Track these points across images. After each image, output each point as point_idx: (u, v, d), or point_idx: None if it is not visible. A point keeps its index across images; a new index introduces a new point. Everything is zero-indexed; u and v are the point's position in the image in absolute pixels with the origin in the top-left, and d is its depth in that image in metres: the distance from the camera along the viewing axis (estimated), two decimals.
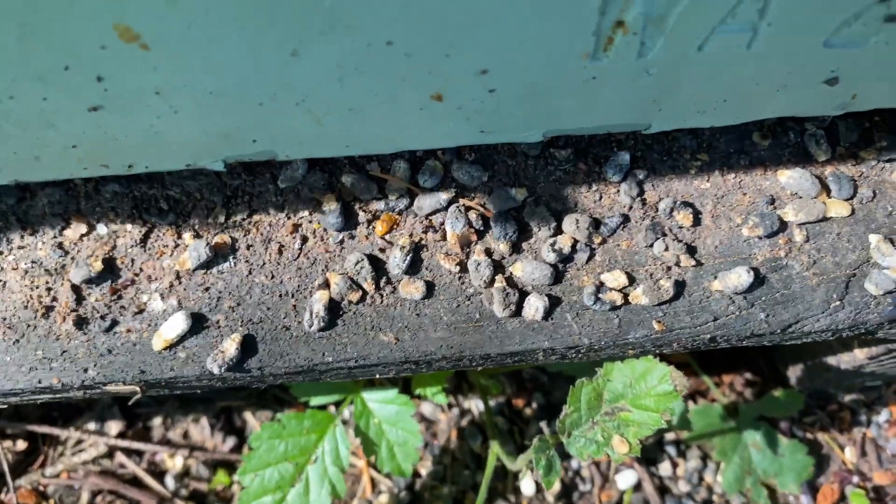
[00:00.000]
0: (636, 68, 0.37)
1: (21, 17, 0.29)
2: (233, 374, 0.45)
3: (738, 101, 0.42)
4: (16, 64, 0.32)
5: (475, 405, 0.73)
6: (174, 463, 0.70)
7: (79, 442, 0.70)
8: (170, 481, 0.69)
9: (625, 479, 0.71)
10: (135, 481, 0.69)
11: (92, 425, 0.71)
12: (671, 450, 0.73)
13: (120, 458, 0.70)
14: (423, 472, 0.71)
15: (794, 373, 0.70)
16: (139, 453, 0.70)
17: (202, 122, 0.38)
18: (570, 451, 0.54)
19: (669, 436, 0.73)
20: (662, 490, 0.71)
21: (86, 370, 0.45)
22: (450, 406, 0.74)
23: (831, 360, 0.63)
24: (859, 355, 0.61)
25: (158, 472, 0.69)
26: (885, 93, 0.44)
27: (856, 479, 0.72)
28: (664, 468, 0.72)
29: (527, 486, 0.71)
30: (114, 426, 0.71)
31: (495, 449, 0.62)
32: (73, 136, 0.38)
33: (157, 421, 0.71)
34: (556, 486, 0.71)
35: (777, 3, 0.34)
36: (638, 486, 0.71)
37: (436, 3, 0.31)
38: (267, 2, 0.29)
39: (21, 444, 0.70)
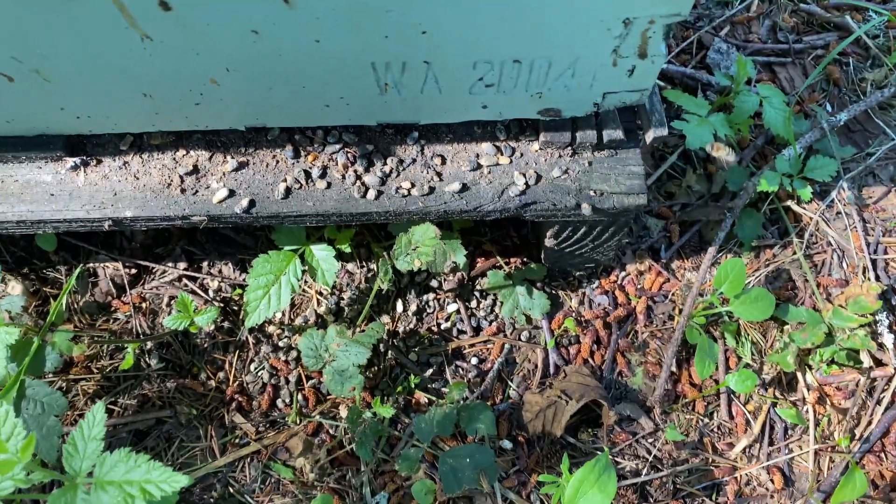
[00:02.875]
0: (406, 97, 0.98)
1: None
2: (244, 215, 1.07)
3: (462, 113, 1.03)
4: None
5: (376, 266, 1.35)
6: (213, 284, 1.34)
7: (162, 272, 1.34)
8: (210, 293, 1.33)
9: (451, 307, 1.34)
10: (191, 292, 1.33)
11: (170, 263, 1.35)
12: (478, 294, 1.35)
13: (184, 280, 1.34)
14: (345, 297, 1.34)
15: (541, 255, 1.31)
16: (194, 279, 1.34)
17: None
18: (398, 266, 1.16)
19: (478, 287, 1.35)
20: (471, 314, 1.34)
21: (185, 211, 1.08)
22: (361, 266, 1.36)
23: (547, 244, 1.25)
24: (548, 242, 1.22)
25: (204, 289, 1.33)
26: (523, 109, 1.04)
27: (574, 313, 1.33)
28: (473, 304, 1.34)
29: (398, 306, 1.34)
30: (181, 265, 1.34)
31: (377, 281, 1.25)
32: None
33: (204, 263, 1.35)
34: (414, 307, 1.33)
35: (442, 73, 0.95)
36: (458, 311, 1.34)
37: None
38: None
39: (133, 271, 1.34)
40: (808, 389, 1.23)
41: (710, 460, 1.21)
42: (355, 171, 1.05)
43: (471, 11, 0.78)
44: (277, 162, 1.05)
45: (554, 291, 1.32)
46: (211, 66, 0.86)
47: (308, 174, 1.05)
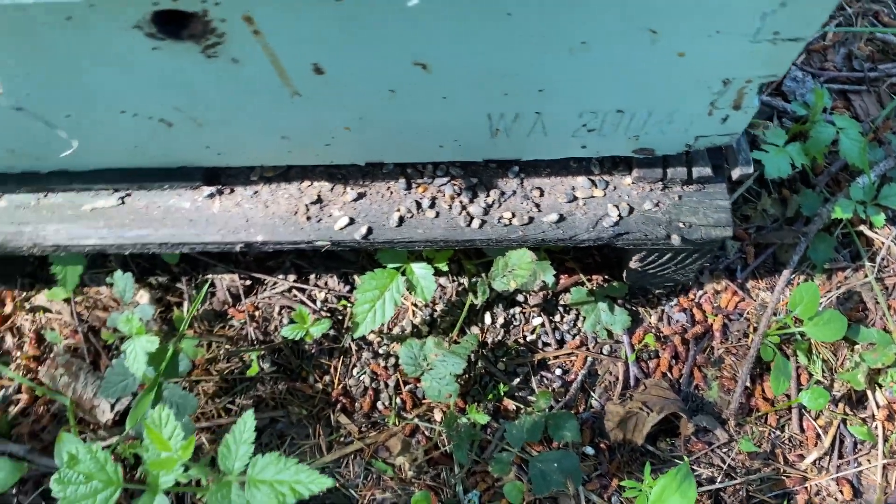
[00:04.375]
0: (514, 140, 1.08)
1: None
2: (362, 241, 1.18)
3: (562, 151, 1.13)
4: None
5: (466, 281, 1.46)
6: (320, 295, 1.46)
7: (274, 283, 1.47)
8: (318, 304, 1.45)
9: (536, 321, 1.44)
10: (300, 302, 1.46)
11: (281, 276, 1.48)
12: (561, 309, 1.45)
13: (294, 291, 1.46)
14: (438, 308, 1.45)
15: (623, 274, 1.41)
16: (303, 290, 1.46)
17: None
18: (494, 287, 1.26)
19: (562, 302, 1.45)
20: (555, 327, 1.44)
21: (310, 237, 1.20)
22: (453, 280, 1.47)
23: (631, 266, 1.34)
24: (633, 265, 1.31)
25: (312, 300, 1.46)
26: (619, 148, 1.13)
27: (653, 329, 1.42)
28: (556, 318, 1.45)
29: (487, 318, 1.45)
30: (290, 277, 1.47)
31: (470, 296, 1.36)
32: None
33: (312, 276, 1.48)
34: (501, 320, 1.43)
35: (549, 121, 1.04)
36: (543, 324, 1.44)
37: None
38: None
39: (247, 282, 1.47)
40: (878, 407, 1.31)
41: (782, 471, 1.30)
42: (461, 202, 1.16)
43: (586, 75, 0.88)
44: (391, 193, 1.17)
45: (634, 308, 1.41)
46: (347, 117, 0.98)
47: (419, 204, 1.16)
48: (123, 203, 1.19)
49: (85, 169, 1.17)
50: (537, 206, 1.15)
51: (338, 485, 1.34)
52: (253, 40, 0.80)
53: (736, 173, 1.11)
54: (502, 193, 1.16)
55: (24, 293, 1.46)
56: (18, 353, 1.43)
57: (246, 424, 0.99)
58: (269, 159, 1.13)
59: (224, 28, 0.77)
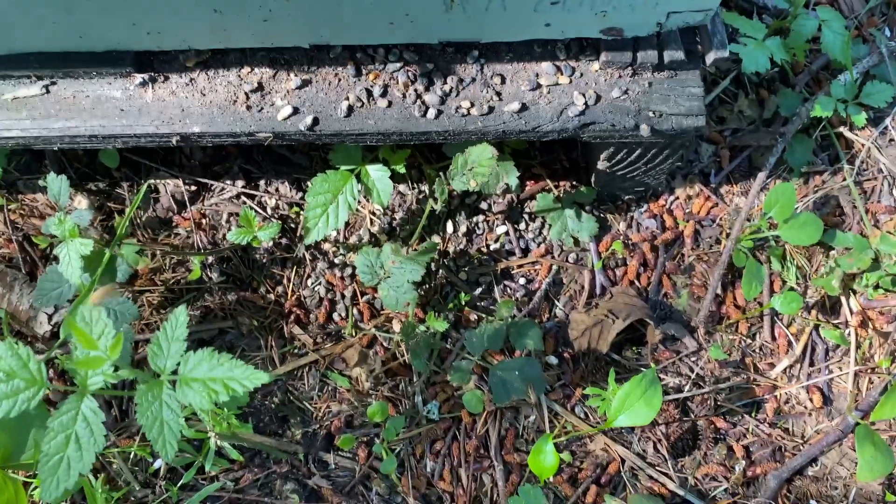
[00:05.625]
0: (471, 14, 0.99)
1: None
2: (308, 132, 1.09)
3: (524, 31, 1.04)
4: None
5: (427, 188, 1.38)
6: (271, 202, 1.38)
7: (221, 189, 1.38)
8: (268, 211, 1.37)
9: (500, 229, 1.37)
10: (250, 209, 1.37)
11: (228, 181, 1.38)
12: (526, 217, 1.37)
13: (242, 198, 1.38)
14: (397, 217, 1.37)
15: (591, 178, 1.33)
16: (252, 197, 1.37)
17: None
18: (454, 186, 1.18)
19: (527, 210, 1.38)
20: (520, 236, 1.37)
21: (251, 128, 1.10)
22: (413, 187, 1.39)
23: (599, 167, 1.26)
24: (601, 165, 1.23)
25: (262, 207, 1.37)
26: (586, 28, 1.04)
27: (621, 236, 1.36)
28: (521, 226, 1.37)
29: (449, 227, 1.37)
30: (239, 182, 1.38)
31: (430, 202, 1.28)
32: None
33: (261, 182, 1.39)
34: (464, 228, 1.36)
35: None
36: (507, 233, 1.37)
37: None
38: None
39: (193, 188, 1.38)
40: (852, 313, 1.26)
41: (752, 379, 1.26)
42: (415, 90, 1.07)
43: None
44: (339, 80, 1.07)
45: (602, 215, 1.34)
46: None
47: (369, 93, 1.07)
48: (48, 92, 1.09)
49: (2, 53, 1.06)
50: (498, 94, 1.07)
51: (292, 398, 1.28)
52: None
53: (710, 57, 1.03)
54: (460, 81, 1.07)
55: None
56: None
57: (178, 320, 0.92)
58: (203, 40, 1.03)
59: None
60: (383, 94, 1.07)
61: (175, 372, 0.92)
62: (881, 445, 1.06)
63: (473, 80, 1.07)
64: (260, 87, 1.07)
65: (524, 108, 1.06)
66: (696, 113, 1.05)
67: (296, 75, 1.07)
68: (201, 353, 0.89)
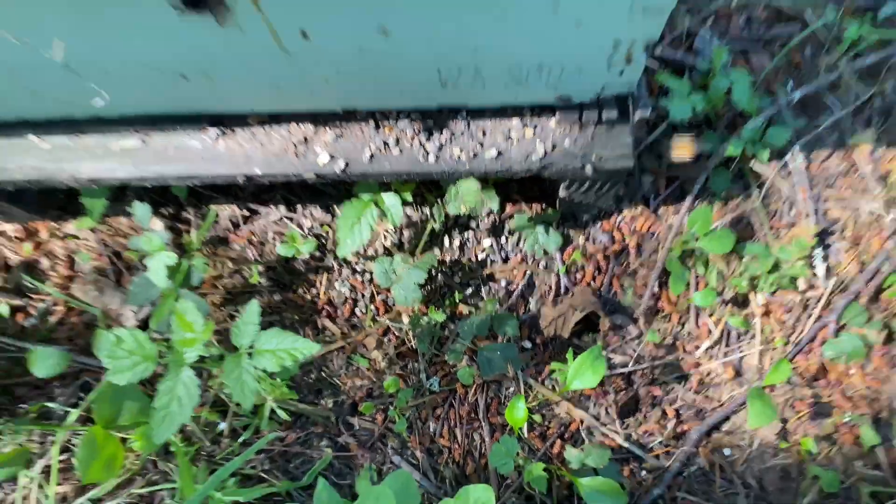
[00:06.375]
0: (460, 89, 1.37)
1: None
2: (341, 174, 1.47)
3: (499, 99, 1.42)
4: None
5: (428, 210, 1.76)
6: (307, 223, 1.76)
7: (267, 213, 1.76)
8: (305, 230, 1.74)
9: (486, 242, 1.74)
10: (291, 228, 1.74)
11: (272, 207, 1.76)
12: (506, 233, 1.75)
13: (284, 220, 1.75)
14: (405, 234, 1.75)
15: (556, 202, 1.70)
16: (291, 219, 1.75)
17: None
18: (448, 211, 1.56)
19: (507, 227, 1.75)
20: (501, 247, 1.74)
21: (299, 170, 1.48)
22: (417, 210, 1.77)
23: (561, 195, 1.63)
24: (562, 193, 1.61)
25: (300, 226, 1.75)
26: (543, 97, 1.42)
27: (581, 248, 1.73)
28: (502, 240, 1.75)
29: (446, 241, 1.75)
30: (281, 208, 1.76)
31: (431, 221, 1.66)
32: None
33: (299, 207, 1.77)
34: (457, 242, 1.74)
35: (486, 75, 1.33)
36: (491, 245, 1.74)
37: None
38: None
39: (245, 212, 1.76)
40: (757, 305, 1.63)
41: (680, 357, 1.63)
42: (420, 141, 1.44)
43: (512, 41, 1.16)
44: (364, 134, 1.45)
45: (566, 231, 1.72)
46: (327, 70, 1.26)
47: (386, 143, 1.44)
48: (145, 143, 1.47)
49: (113, 116, 1.44)
50: (481, 143, 1.44)
51: (324, 375, 1.65)
52: (254, 12, 1.07)
53: (637, 115, 1.41)
54: (453, 133, 1.45)
55: (56, 223, 1.73)
56: (53, 274, 1.71)
57: (252, 309, 1.29)
58: (265, 106, 1.40)
59: (232, 4, 1.04)
60: (396, 144, 1.44)
61: (251, 346, 1.28)
62: (767, 400, 1.43)
63: (462, 133, 1.45)
64: (305, 140, 1.45)
65: (500, 154, 1.43)
66: (627, 156, 1.42)
67: (331, 130, 1.45)
68: (272, 331, 1.26)
